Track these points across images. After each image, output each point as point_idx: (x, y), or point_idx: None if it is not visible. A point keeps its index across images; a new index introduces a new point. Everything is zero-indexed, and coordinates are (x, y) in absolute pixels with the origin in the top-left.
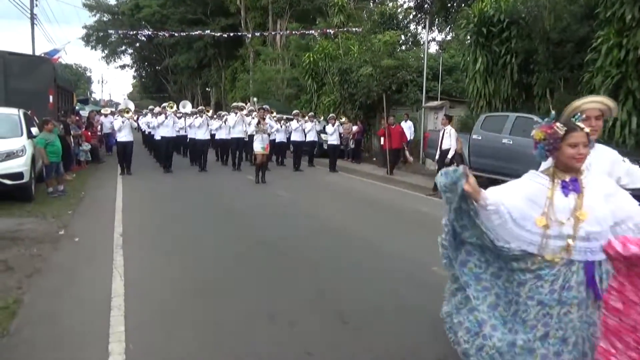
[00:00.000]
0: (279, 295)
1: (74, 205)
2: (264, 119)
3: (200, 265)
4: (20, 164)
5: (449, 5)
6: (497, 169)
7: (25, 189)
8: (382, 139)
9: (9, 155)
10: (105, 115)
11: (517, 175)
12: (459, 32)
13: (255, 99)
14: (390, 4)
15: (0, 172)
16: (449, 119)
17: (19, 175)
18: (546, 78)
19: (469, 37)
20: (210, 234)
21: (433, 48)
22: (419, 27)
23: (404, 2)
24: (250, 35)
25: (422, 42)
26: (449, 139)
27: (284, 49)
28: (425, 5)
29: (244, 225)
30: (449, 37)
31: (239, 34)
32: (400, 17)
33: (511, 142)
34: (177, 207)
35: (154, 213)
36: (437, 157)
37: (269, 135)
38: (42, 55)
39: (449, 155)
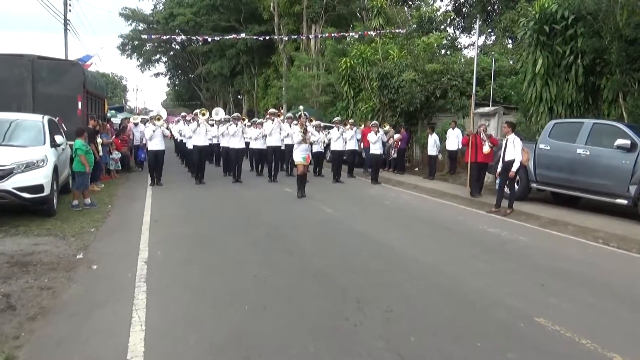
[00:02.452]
0: (345, 351)
1: (98, 222)
2: (306, 128)
3: (238, 311)
4: (40, 176)
5: (489, 8)
6: (569, 182)
7: (46, 202)
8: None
9: (29, 166)
10: (135, 124)
11: (594, 190)
12: (517, 31)
13: (301, 107)
14: (425, 8)
15: (18, 184)
16: (511, 126)
17: (39, 188)
18: (619, 80)
19: (528, 36)
20: (251, 264)
21: (473, 52)
22: (457, 31)
23: (440, 7)
24: (285, 38)
25: (460, 47)
26: (513, 149)
27: (318, 55)
28: (464, 9)
29: (291, 251)
30: (489, 41)
31: (275, 36)
32: (439, 20)
33: (588, 153)
34: (210, 226)
35: (185, 234)
36: (499, 169)
37: (311, 144)
38: (76, 61)
39: (514, 168)
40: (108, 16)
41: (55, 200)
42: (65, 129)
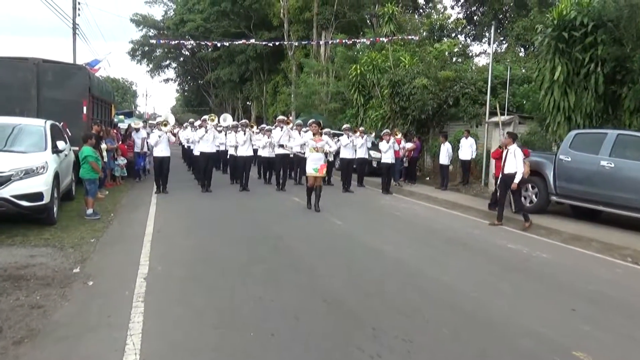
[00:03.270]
0: None
1: (99, 232)
2: (320, 134)
3: (242, 337)
4: (40, 183)
5: (501, 17)
6: (591, 196)
7: (46, 211)
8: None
9: (28, 173)
10: (137, 130)
11: (618, 204)
12: (534, 38)
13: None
14: (435, 16)
15: (16, 192)
16: (512, 137)
17: (38, 196)
18: None
19: (546, 44)
20: (257, 283)
21: (484, 60)
22: (469, 39)
23: (450, 15)
24: (296, 44)
25: (471, 54)
26: (514, 161)
27: (328, 61)
28: (475, 17)
29: (299, 268)
30: (501, 50)
31: (285, 42)
32: (451, 27)
33: (612, 165)
34: (215, 238)
35: (187, 247)
36: (498, 182)
37: (326, 155)
38: (82, 65)
39: (516, 180)
40: (119, 22)
41: (55, 209)
42: (70, 134)
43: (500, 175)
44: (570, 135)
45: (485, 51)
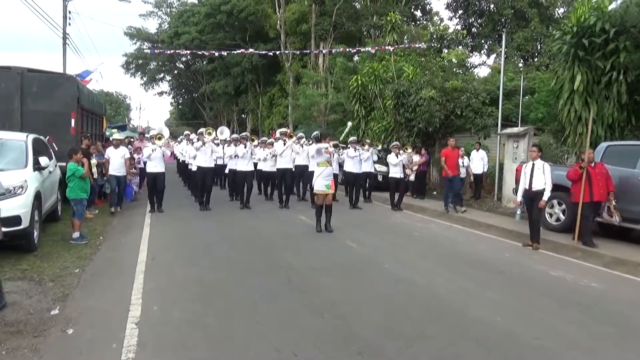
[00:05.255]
0: None
1: (85, 260)
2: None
3: None
4: (17, 205)
5: (499, 28)
6: (629, 214)
7: (25, 237)
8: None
9: (4, 194)
10: (116, 145)
11: None
12: (552, 46)
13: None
14: (432, 28)
15: None
16: (540, 149)
17: (16, 220)
18: None
19: (565, 51)
20: (272, 328)
21: (483, 72)
22: (467, 50)
23: (448, 26)
24: (297, 52)
25: (469, 65)
26: (542, 176)
27: (327, 72)
28: (473, 29)
29: (321, 308)
30: (500, 60)
31: (284, 51)
32: (451, 38)
33: None
34: (218, 268)
35: (187, 279)
36: (519, 196)
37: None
38: (70, 74)
39: (545, 197)
40: (112, 36)
41: (36, 233)
42: (57, 149)
43: (524, 190)
44: (601, 148)
45: (485, 62)
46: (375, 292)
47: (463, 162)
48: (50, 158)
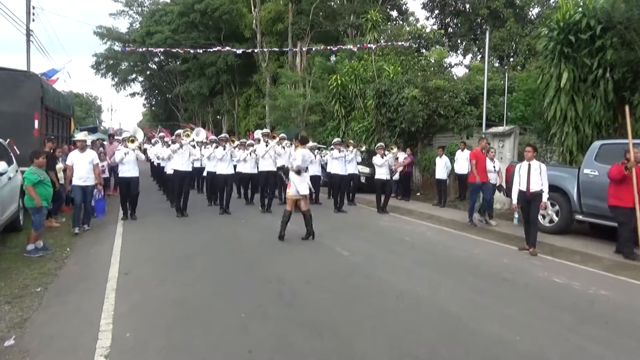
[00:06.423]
0: None
1: (49, 276)
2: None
3: None
4: None
5: (475, 27)
6: None
7: None
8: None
9: None
10: (82, 148)
11: None
12: (538, 43)
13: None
14: (407, 27)
15: None
16: (535, 149)
17: None
18: None
19: (550, 48)
20: (265, 353)
21: (461, 71)
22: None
23: (425, 25)
24: (274, 50)
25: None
26: (539, 178)
27: (305, 72)
28: (449, 29)
29: (319, 328)
30: (476, 60)
31: (261, 49)
32: (428, 37)
33: None
34: (200, 283)
35: (165, 298)
36: (514, 199)
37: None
38: (33, 72)
39: (544, 199)
40: (80, 35)
41: None
42: (18, 152)
43: (516, 193)
44: (594, 147)
45: (462, 62)
46: (376, 307)
47: (494, 166)
48: (10, 163)
